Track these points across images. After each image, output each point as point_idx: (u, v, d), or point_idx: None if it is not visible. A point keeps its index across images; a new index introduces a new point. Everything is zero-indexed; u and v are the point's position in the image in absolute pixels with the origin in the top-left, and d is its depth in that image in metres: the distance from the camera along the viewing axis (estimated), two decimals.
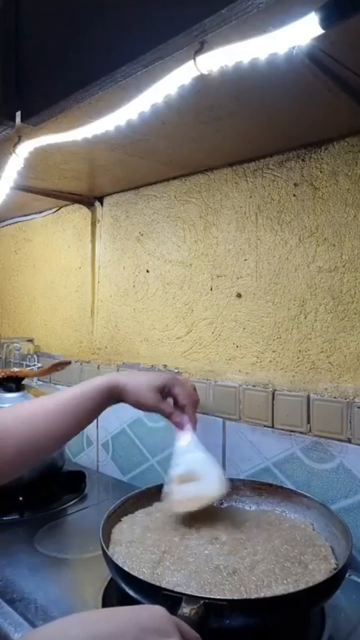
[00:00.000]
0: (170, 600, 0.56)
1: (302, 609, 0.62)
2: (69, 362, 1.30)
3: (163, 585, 0.61)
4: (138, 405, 0.80)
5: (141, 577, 0.63)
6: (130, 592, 0.63)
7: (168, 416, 0.82)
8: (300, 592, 0.60)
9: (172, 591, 0.58)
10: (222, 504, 0.88)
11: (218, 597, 0.59)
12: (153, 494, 0.87)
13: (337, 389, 0.89)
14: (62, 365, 1.27)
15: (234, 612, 0.56)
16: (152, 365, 1.22)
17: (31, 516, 1.04)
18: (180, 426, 0.82)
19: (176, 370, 1.16)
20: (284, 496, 0.86)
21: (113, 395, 0.78)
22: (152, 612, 0.46)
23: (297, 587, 0.62)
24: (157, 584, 0.62)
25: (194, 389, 0.91)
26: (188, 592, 0.60)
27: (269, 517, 0.82)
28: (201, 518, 0.77)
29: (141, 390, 0.79)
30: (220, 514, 0.82)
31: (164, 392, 0.82)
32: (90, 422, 0.78)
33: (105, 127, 0.79)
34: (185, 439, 0.81)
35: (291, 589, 0.62)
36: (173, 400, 0.83)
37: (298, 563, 0.68)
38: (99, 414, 0.79)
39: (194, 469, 0.79)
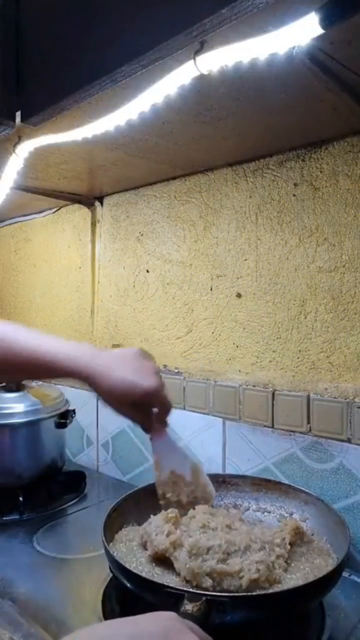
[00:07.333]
0: (172, 597, 0.56)
1: (301, 604, 0.62)
2: None
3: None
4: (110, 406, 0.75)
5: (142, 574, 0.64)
6: (133, 589, 0.63)
7: (144, 429, 0.78)
8: (300, 588, 0.61)
9: (174, 588, 0.59)
10: (221, 501, 0.88)
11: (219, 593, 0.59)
12: (154, 492, 0.87)
13: (337, 389, 0.89)
14: None
15: (236, 608, 0.57)
16: None
17: (31, 516, 1.04)
18: (157, 434, 0.79)
19: (176, 370, 1.16)
20: (282, 492, 0.87)
21: (81, 383, 0.74)
22: (169, 616, 0.47)
23: (306, 580, 0.63)
24: (160, 582, 0.62)
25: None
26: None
27: (267, 517, 0.83)
28: (200, 517, 0.77)
29: (112, 400, 0.73)
30: (219, 513, 0.82)
31: (142, 405, 0.75)
32: None
33: (105, 127, 0.79)
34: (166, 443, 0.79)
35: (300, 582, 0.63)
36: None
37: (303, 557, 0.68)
38: None
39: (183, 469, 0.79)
